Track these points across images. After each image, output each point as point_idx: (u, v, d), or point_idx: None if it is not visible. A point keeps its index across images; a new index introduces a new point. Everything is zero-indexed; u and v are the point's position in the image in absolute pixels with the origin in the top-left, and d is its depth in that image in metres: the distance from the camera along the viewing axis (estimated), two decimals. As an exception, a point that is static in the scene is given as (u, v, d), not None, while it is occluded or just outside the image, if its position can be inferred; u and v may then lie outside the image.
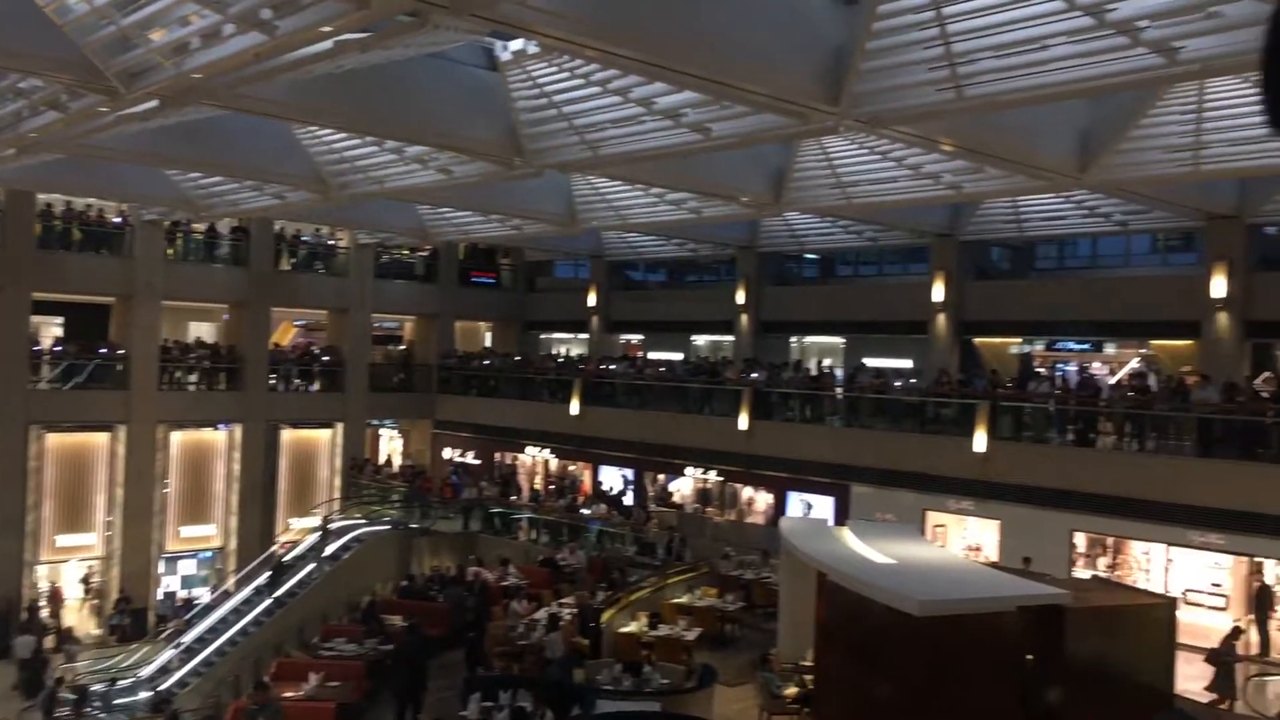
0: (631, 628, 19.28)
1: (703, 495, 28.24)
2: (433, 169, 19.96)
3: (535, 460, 32.80)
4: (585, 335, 35.94)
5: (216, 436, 31.68)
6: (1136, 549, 20.40)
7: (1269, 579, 18.49)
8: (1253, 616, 18.52)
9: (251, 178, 22.65)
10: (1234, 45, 10.44)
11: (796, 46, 13.13)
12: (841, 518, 21.73)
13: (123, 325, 30.17)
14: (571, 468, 31.91)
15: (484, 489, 30.19)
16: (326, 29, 11.17)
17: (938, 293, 25.86)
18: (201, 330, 34.47)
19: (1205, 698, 15.62)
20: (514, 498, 29.86)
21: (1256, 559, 18.47)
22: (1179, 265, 25.01)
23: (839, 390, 25.36)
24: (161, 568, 30.23)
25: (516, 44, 15.67)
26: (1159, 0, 10.72)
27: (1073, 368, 26.41)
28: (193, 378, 31.37)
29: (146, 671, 24.44)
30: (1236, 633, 16.91)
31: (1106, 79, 11.92)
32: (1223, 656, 16.06)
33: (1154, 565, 20.03)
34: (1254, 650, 18.29)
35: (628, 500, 29.02)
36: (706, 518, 27.60)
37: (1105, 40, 11.38)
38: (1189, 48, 11.02)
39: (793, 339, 31.46)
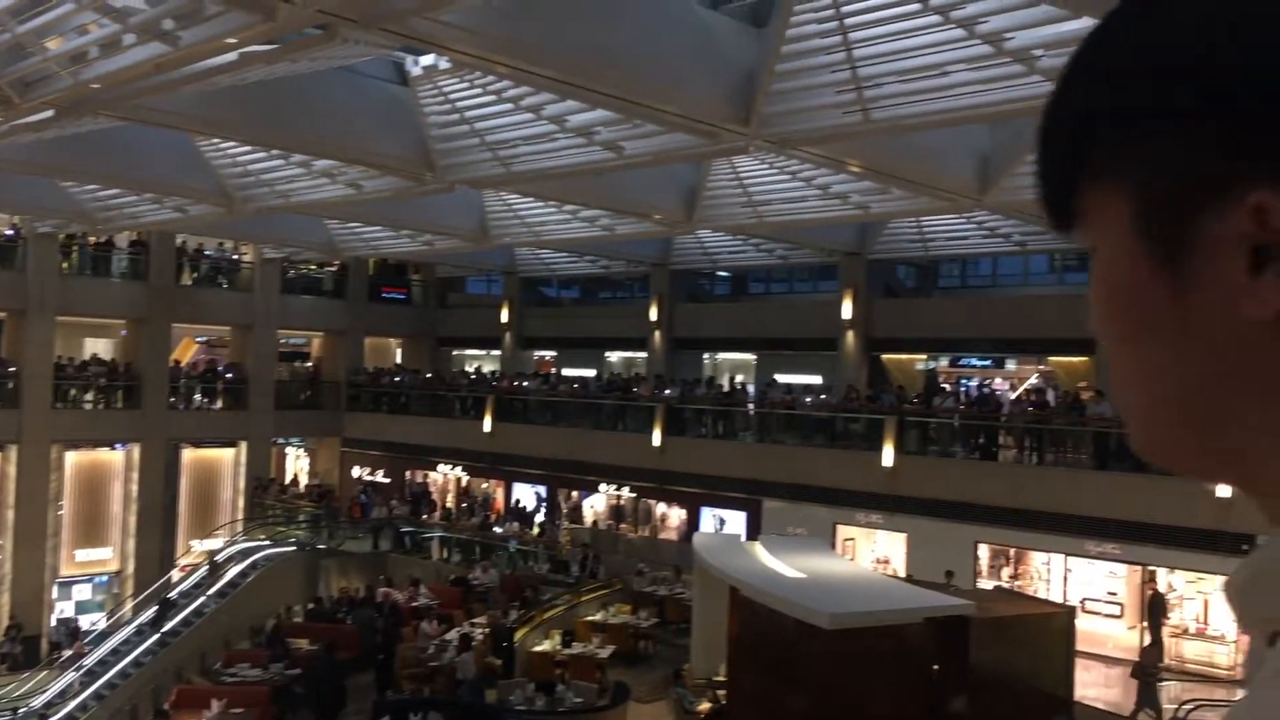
0: (545, 646, 19.18)
1: (616, 512, 28.24)
2: (342, 183, 19.70)
3: (447, 478, 32.43)
4: (498, 352, 35.72)
5: (113, 456, 30.63)
6: (1037, 559, 21.00)
7: (1161, 587, 19.18)
8: (1146, 624, 19.18)
9: (152, 191, 22.04)
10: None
11: (708, 67, 13.32)
12: (754, 533, 21.93)
13: (14, 341, 29.02)
14: (484, 485, 31.63)
15: (394, 508, 29.74)
16: (231, 41, 10.97)
17: (847, 310, 26.34)
18: (98, 347, 33.32)
19: (1104, 704, 16.10)
20: (425, 516, 29.46)
21: (1150, 567, 19.15)
22: (1075, 284, 25.89)
23: (751, 406, 25.64)
24: (55, 593, 29.07)
25: (428, 59, 15.57)
26: (1053, 30, 11.14)
27: (975, 383, 27.15)
28: (89, 396, 30.31)
29: (38, 702, 23.46)
30: (1156, 646, 17.33)
31: (1004, 105, 12.33)
32: (1147, 672, 16.41)
33: (1054, 575, 20.64)
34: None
35: (541, 518, 28.87)
36: (620, 534, 27.61)
37: (1003, 68, 11.79)
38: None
39: (705, 355, 31.73)
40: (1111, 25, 0.63)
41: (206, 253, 32.92)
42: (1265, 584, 0.62)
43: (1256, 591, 0.63)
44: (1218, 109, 0.57)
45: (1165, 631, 18.89)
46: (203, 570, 27.17)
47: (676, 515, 26.88)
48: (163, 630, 24.55)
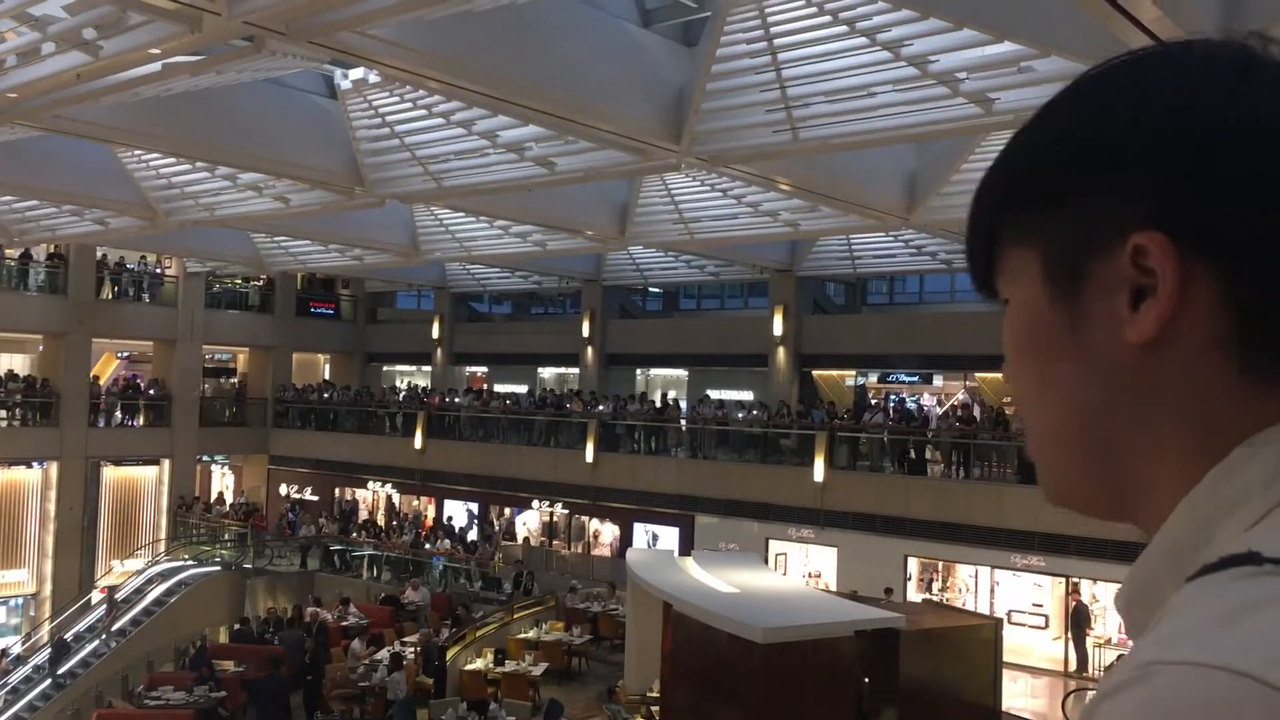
0: (477, 665, 18.98)
1: (549, 528, 28.11)
2: (269, 197, 19.41)
3: (377, 495, 32.00)
4: (429, 368, 35.39)
5: (30, 475, 29.69)
6: (964, 572, 21.35)
7: (1085, 598, 19.62)
8: (1069, 635, 19.61)
9: (71, 202, 21.48)
10: (1044, 98, 11.15)
11: (640, 85, 13.40)
12: (686, 548, 21.98)
13: (-76, 357, 28.05)
14: (415, 502, 31.27)
15: (323, 526, 29.24)
16: (155, 51, 10.76)
17: (777, 326, 26.58)
18: (15, 362, 32.32)
19: (1030, 714, 16.40)
20: (354, 535, 29.02)
21: (1073, 579, 19.58)
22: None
23: (683, 422, 25.73)
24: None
25: (357, 72, 15.42)
26: (975, 54, 11.41)
27: (903, 399, 27.56)
28: (3, 413, 29.35)
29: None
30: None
31: (929, 126, 12.60)
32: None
33: (981, 588, 21.00)
34: (1071, 667, 19.36)
35: (472, 535, 28.62)
36: (553, 551, 27.47)
37: (928, 90, 12.03)
38: (1003, 99, 11.77)
39: (638, 371, 31.77)
40: (1027, 125, 0.78)
41: (128, 266, 32.15)
42: (1144, 592, 0.70)
43: (1138, 603, 0.71)
44: (1104, 175, 0.71)
45: (1089, 642, 19.32)
46: (99, 612, 26.21)
47: (609, 531, 26.83)
48: (58, 674, 23.57)
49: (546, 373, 34.33)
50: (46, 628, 27.41)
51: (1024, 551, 19.43)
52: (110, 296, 31.56)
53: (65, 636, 25.18)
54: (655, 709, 15.74)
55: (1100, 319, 0.71)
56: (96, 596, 28.21)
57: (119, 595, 26.95)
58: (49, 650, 24.44)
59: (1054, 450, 0.78)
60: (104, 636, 24.70)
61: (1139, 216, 0.69)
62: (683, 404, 27.62)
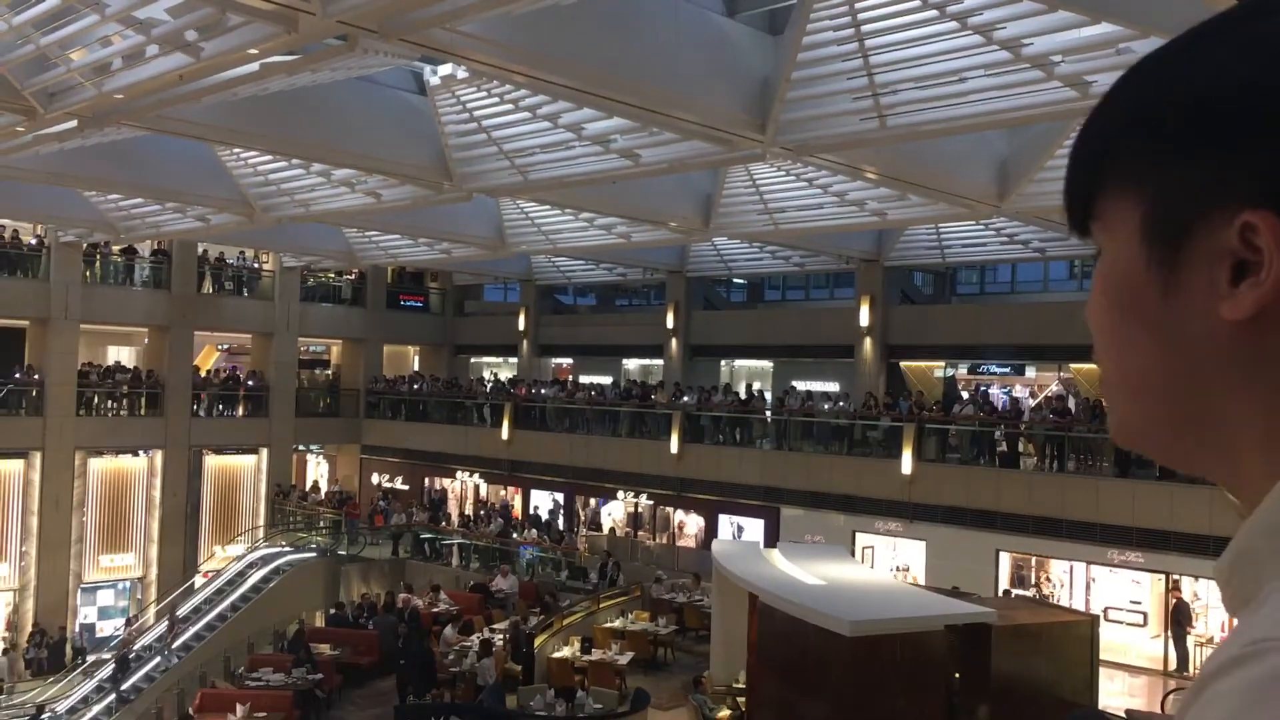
0: (564, 653, 19.18)
1: (634, 519, 28.24)
2: (360, 192, 19.81)
3: (465, 485, 32.51)
4: (515, 359, 35.80)
5: (137, 463, 30.86)
6: (1059, 568, 20.86)
7: (1186, 595, 19.04)
8: (1170, 633, 19.04)
9: (173, 200, 22.22)
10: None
11: (724, 75, 13.34)
12: (772, 540, 21.89)
13: (38, 350, 29.29)
14: (502, 492, 31.69)
15: (414, 514, 29.82)
16: (253, 51, 11.07)
17: (864, 317, 26.26)
18: (121, 354, 33.58)
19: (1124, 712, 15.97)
20: (444, 523, 29.53)
21: (1173, 576, 19.01)
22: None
23: (768, 413, 25.59)
24: (79, 599, 29.30)
25: (445, 69, 15.65)
26: (1071, 36, 11.12)
27: (996, 390, 27.01)
28: (111, 403, 30.56)
29: (63, 706, 23.63)
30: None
31: (1022, 111, 12.31)
32: None
33: (1075, 583, 20.50)
34: (1171, 666, 18.81)
35: (559, 524, 28.90)
36: (638, 542, 27.60)
37: (1021, 74, 11.76)
38: (1099, 82, 11.43)
39: (722, 362, 31.69)
40: (1139, 68, 0.75)
41: (228, 261, 33.17)
42: (1243, 565, 0.69)
43: (1238, 572, 0.69)
44: (1216, 141, 0.68)
45: (1190, 641, 18.75)
46: (162, 625, 26.74)
47: (694, 522, 26.85)
48: (121, 689, 23.61)
49: (631, 364, 34.45)
50: (153, 610, 28.47)
51: (1121, 547, 18.93)
52: (211, 291, 32.63)
53: (128, 653, 25.28)
54: (741, 700, 15.72)
55: (1196, 288, 0.70)
56: (199, 580, 29.20)
57: (217, 580, 27.85)
58: (112, 667, 24.64)
59: (1130, 400, 0.76)
60: (165, 653, 25.02)
61: (1253, 189, 0.66)
62: (768, 395, 27.47)
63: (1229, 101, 0.68)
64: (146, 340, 32.58)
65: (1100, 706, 14.05)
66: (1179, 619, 18.92)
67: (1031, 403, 24.59)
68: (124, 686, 23.70)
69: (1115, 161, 0.74)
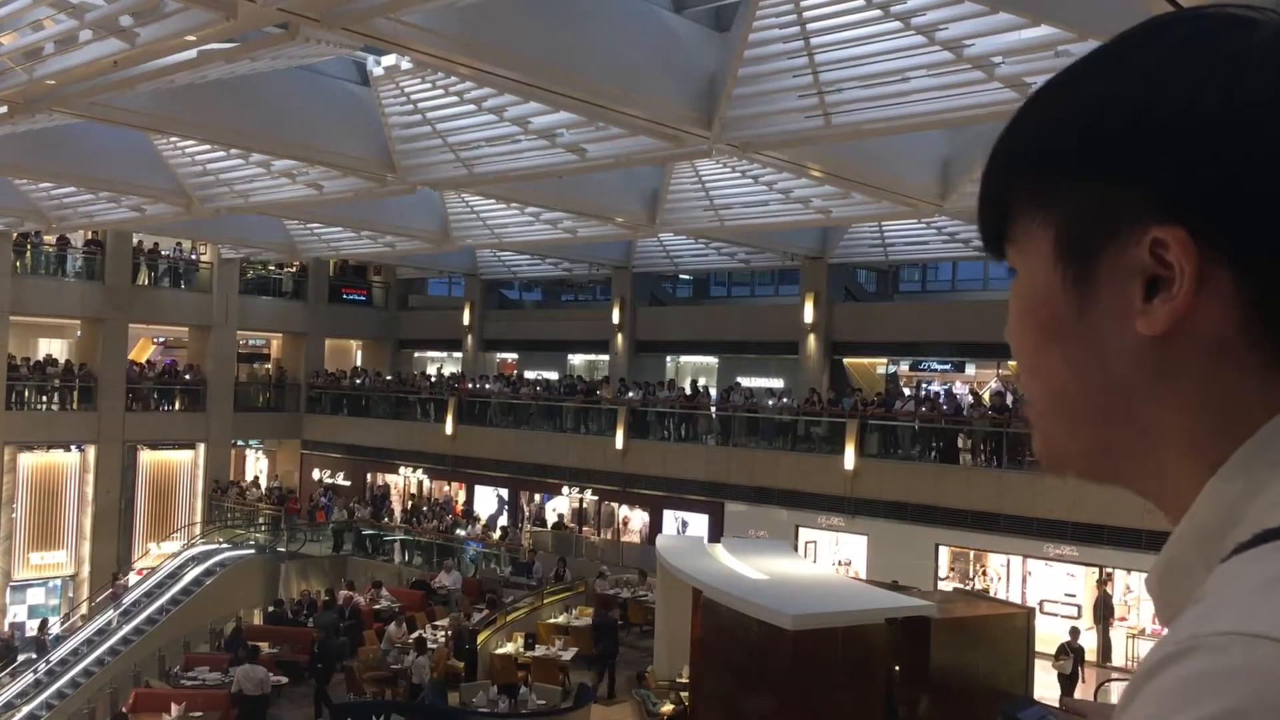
0: (508, 649, 19.11)
1: (579, 514, 28.20)
2: (302, 184, 19.54)
3: (408, 481, 32.24)
4: (460, 354, 35.55)
5: (69, 458, 30.16)
6: (996, 561, 21.22)
7: (1119, 588, 19.46)
8: (1096, 626, 19.47)
9: (107, 189, 21.72)
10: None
11: (671, 71, 13.35)
12: (716, 535, 21.97)
13: (-35, 342, 28.50)
14: (446, 488, 31.47)
15: (355, 511, 29.50)
16: (190, 38, 10.85)
17: (808, 314, 26.46)
18: (53, 347, 32.77)
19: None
20: (386, 519, 29.25)
21: (1106, 569, 19.40)
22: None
23: (713, 409, 25.70)
24: (8, 597, 28.57)
25: (389, 59, 15.48)
26: (1011, 38, 11.28)
27: (936, 387, 27.37)
28: (42, 397, 29.81)
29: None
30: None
31: (964, 111, 12.47)
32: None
33: (1013, 577, 20.87)
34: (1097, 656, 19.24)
35: (503, 520, 28.77)
36: (583, 537, 27.57)
37: (963, 74, 11.91)
38: (1038, 84, 11.56)
39: (668, 358, 31.76)
40: (1040, 95, 0.76)
41: (164, 252, 32.50)
42: (1173, 575, 0.70)
43: (1167, 583, 0.70)
44: (1118, 163, 0.69)
45: (1122, 632, 19.17)
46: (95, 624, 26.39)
47: (639, 518, 26.88)
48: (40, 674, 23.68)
49: (577, 359, 34.39)
50: (84, 608, 27.83)
51: (1057, 541, 19.29)
52: (146, 282, 31.93)
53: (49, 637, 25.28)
54: (685, 695, 15.77)
55: (1111, 305, 0.70)
56: (134, 579, 28.62)
57: (145, 583, 27.32)
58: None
59: (1052, 420, 0.77)
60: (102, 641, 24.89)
61: (1162, 206, 0.67)
62: (713, 391, 27.59)
63: (1128, 124, 0.69)
64: (79, 333, 31.83)
65: (1036, 697, 14.31)
66: (1103, 612, 19.39)
67: (970, 400, 24.95)
68: (46, 674, 23.50)
69: (1023, 186, 0.75)
